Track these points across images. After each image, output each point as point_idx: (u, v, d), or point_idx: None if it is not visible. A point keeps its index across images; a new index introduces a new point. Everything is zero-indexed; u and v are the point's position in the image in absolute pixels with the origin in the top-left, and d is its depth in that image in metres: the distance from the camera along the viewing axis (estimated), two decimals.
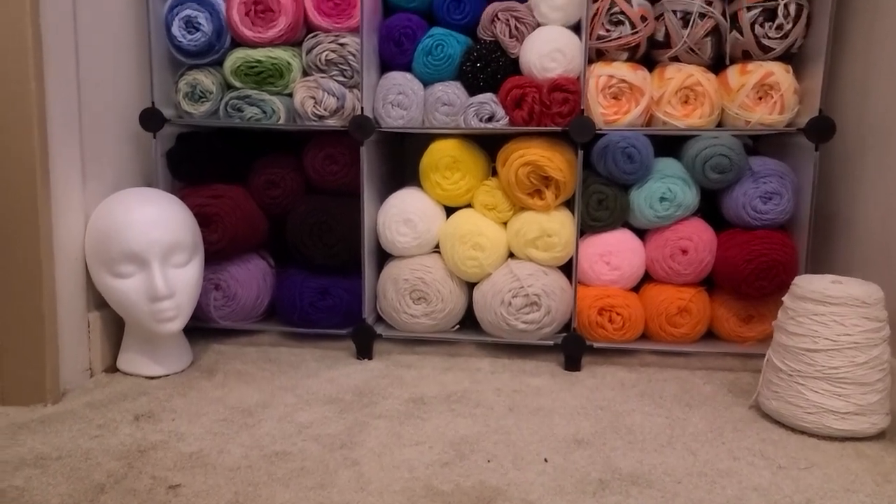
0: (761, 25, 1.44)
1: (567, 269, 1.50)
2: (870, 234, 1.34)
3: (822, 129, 1.37)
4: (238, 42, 1.53)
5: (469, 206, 1.57)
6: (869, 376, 1.13)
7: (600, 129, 1.44)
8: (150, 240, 1.28)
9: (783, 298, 1.22)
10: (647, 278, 1.56)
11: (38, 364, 1.22)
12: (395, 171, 1.71)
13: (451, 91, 1.51)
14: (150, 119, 1.51)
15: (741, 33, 1.45)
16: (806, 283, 1.18)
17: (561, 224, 1.48)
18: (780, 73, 1.45)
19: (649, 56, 1.53)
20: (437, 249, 1.56)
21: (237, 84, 1.53)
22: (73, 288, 1.31)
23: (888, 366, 1.14)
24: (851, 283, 1.18)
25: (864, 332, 1.12)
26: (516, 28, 1.48)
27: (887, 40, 1.30)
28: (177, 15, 1.50)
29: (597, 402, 1.29)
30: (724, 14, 1.46)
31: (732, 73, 1.48)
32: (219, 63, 1.55)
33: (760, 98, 1.46)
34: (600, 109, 1.48)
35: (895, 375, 1.16)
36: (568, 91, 1.43)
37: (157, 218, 1.31)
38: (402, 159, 1.79)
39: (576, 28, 1.49)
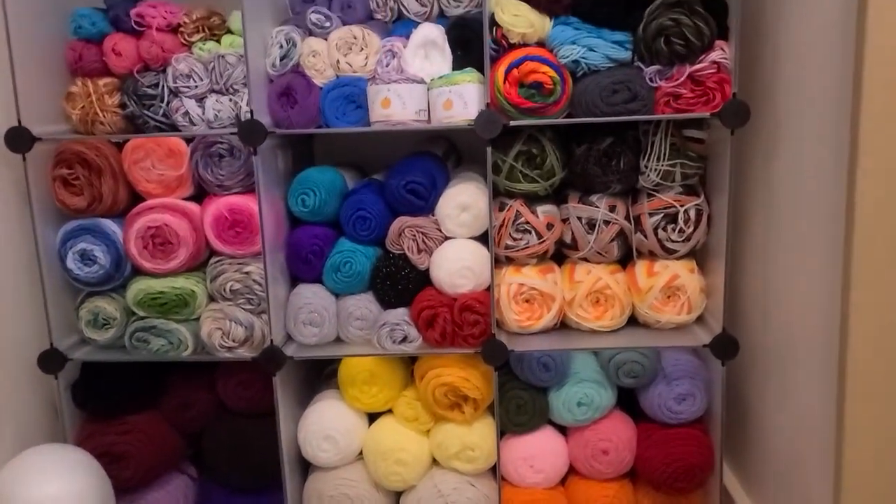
0: (664, 229, 1.46)
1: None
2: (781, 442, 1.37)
3: (725, 347, 1.40)
4: (139, 269, 1.48)
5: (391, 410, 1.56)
6: None
7: (513, 349, 1.44)
8: None
9: None
10: (573, 469, 1.57)
11: None
12: (313, 382, 1.68)
13: (364, 305, 1.49)
14: (51, 359, 1.45)
15: (645, 236, 1.47)
16: None
17: (481, 437, 1.49)
18: (685, 276, 1.47)
19: (560, 251, 1.54)
20: (362, 455, 1.55)
21: (141, 314, 1.48)
22: None
23: None
24: None
25: None
26: (424, 242, 1.47)
27: (780, 243, 1.33)
28: (70, 248, 1.45)
29: None
30: (627, 216, 1.48)
31: (640, 272, 1.50)
32: (122, 286, 1.50)
33: (669, 297, 1.48)
34: (513, 316, 1.48)
35: None
36: (479, 313, 1.43)
37: (60, 496, 1.26)
38: (320, 370, 1.74)
39: (483, 237, 1.48)
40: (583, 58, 1.32)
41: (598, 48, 1.31)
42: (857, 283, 1.04)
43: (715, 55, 1.29)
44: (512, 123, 1.35)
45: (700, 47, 1.28)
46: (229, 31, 1.53)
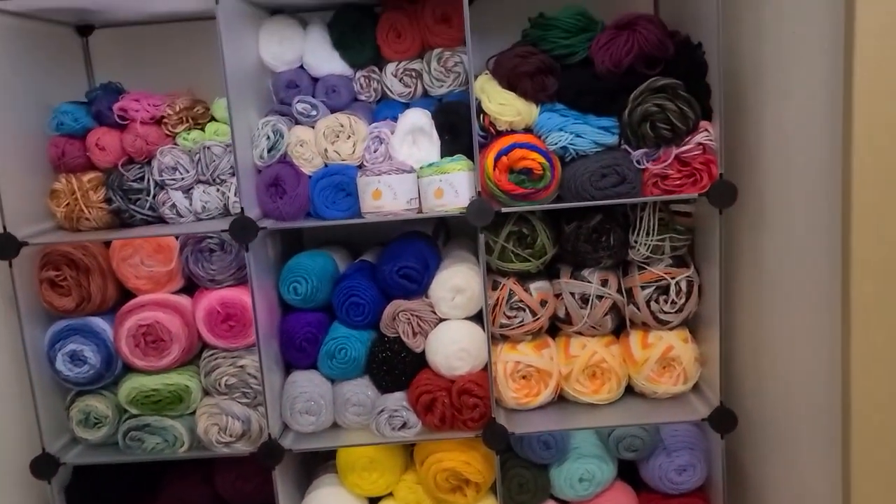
0: (656, 301, 1.47)
1: None
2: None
3: (723, 420, 1.41)
4: (130, 367, 1.46)
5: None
6: None
7: (514, 432, 1.44)
8: None
9: None
10: None
11: None
12: (311, 466, 1.65)
13: (361, 390, 1.48)
14: (43, 465, 1.42)
15: (638, 308, 1.48)
16: None
17: None
18: (680, 346, 1.48)
19: (554, 325, 1.54)
20: None
21: (134, 411, 1.45)
22: None
23: None
24: None
25: None
26: (418, 325, 1.46)
27: (773, 312, 1.34)
28: (60, 350, 1.42)
29: None
30: (620, 289, 1.49)
31: (635, 343, 1.51)
32: (113, 383, 1.47)
33: (664, 368, 1.49)
34: (511, 394, 1.48)
35: None
36: (477, 396, 1.42)
37: None
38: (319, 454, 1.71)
39: (478, 316, 1.48)
40: (571, 144, 1.33)
41: (585, 134, 1.33)
42: (856, 354, 1.04)
43: (700, 137, 1.32)
44: (503, 210, 1.36)
45: (685, 130, 1.30)
46: (213, 119, 1.53)
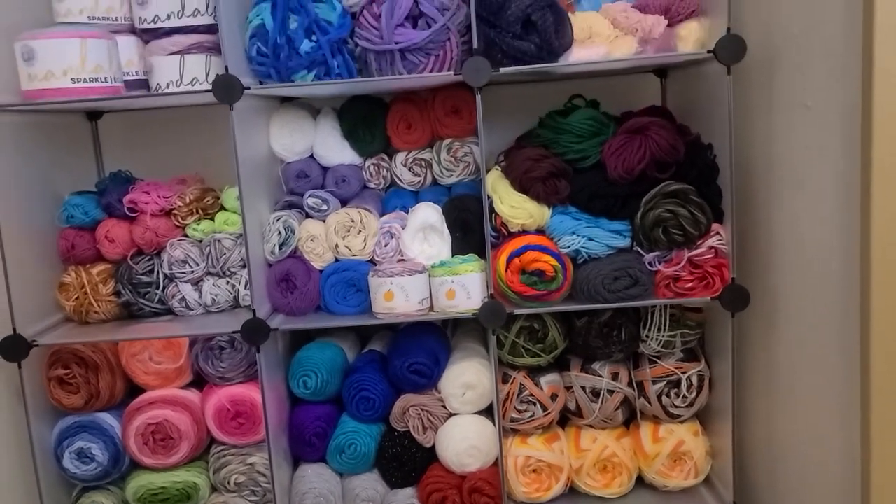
0: (667, 395, 1.47)
1: None
2: None
3: None
4: (138, 463, 1.44)
5: None
6: None
7: None
8: None
9: None
10: None
11: None
12: None
13: (370, 486, 1.48)
14: None
15: (649, 402, 1.48)
16: None
17: None
18: (691, 440, 1.48)
19: (565, 415, 1.53)
20: None
21: None
22: None
23: None
24: None
25: None
26: (429, 420, 1.46)
27: (785, 405, 1.34)
28: (67, 447, 1.41)
29: None
30: (630, 382, 1.48)
31: (646, 437, 1.50)
32: (120, 479, 1.46)
33: (675, 462, 1.49)
34: (522, 488, 1.47)
35: None
36: (489, 496, 1.42)
37: None
38: None
39: (488, 409, 1.48)
40: (583, 247, 1.33)
41: (598, 238, 1.33)
42: (876, 451, 1.03)
43: (712, 241, 1.32)
44: (516, 312, 1.35)
45: (697, 235, 1.31)
46: (222, 208, 1.53)
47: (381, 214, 1.49)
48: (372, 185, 1.58)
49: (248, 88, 1.29)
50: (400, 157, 1.55)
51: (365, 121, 1.53)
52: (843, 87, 1.04)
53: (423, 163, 1.55)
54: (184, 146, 1.68)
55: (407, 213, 1.47)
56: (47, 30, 1.32)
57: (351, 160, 1.55)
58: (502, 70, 1.27)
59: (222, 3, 1.28)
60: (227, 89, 1.27)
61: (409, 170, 1.55)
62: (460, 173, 1.53)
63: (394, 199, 1.54)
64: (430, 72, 1.32)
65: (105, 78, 1.35)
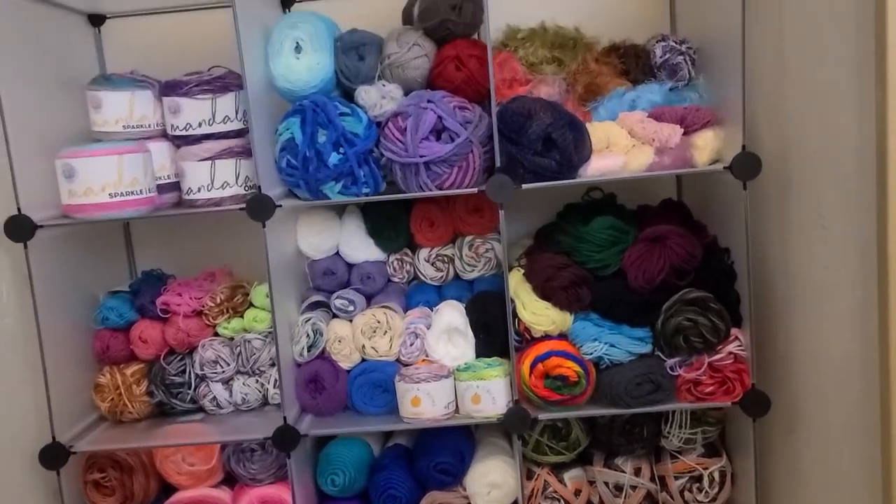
0: (689, 490, 1.48)
1: None
2: None
3: None
4: None
5: None
6: None
7: None
8: None
9: None
10: None
11: None
12: None
13: None
14: None
15: (671, 496, 1.49)
16: None
17: None
18: None
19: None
20: None
21: None
22: None
23: None
24: None
25: None
26: None
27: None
28: None
29: None
30: (653, 477, 1.50)
31: None
32: None
33: None
34: None
35: None
36: None
37: None
38: None
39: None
40: (606, 354, 1.36)
41: (619, 344, 1.36)
42: None
43: (731, 346, 1.35)
44: (541, 417, 1.38)
45: (716, 342, 1.34)
46: (251, 305, 1.57)
47: (405, 309, 1.53)
48: (395, 280, 1.62)
49: (280, 206, 1.33)
50: (423, 253, 1.59)
51: (389, 220, 1.57)
52: (858, 212, 1.07)
53: (445, 258, 1.59)
54: (213, 243, 1.72)
55: (431, 309, 1.51)
56: (87, 147, 1.38)
57: (376, 257, 1.59)
58: (524, 186, 1.31)
59: (254, 122, 1.34)
60: (260, 208, 1.31)
61: (432, 265, 1.59)
62: (482, 268, 1.57)
63: (417, 294, 1.58)
64: (454, 180, 1.36)
65: (140, 190, 1.40)
